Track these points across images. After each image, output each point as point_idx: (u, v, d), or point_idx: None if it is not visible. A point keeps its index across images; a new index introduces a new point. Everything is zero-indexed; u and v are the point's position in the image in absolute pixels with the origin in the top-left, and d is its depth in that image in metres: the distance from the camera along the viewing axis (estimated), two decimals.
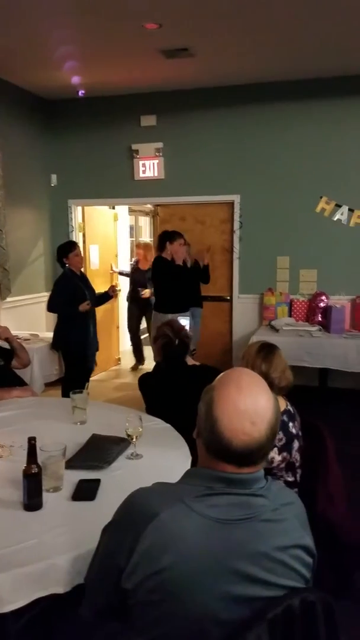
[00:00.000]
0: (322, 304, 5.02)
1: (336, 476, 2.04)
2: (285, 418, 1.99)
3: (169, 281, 4.76)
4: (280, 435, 1.93)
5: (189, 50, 4.19)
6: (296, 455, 1.99)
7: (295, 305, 5.23)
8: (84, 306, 4.28)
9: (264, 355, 2.02)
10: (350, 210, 5.01)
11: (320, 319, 4.99)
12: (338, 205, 5.04)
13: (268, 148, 5.22)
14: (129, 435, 2.01)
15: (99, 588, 1.17)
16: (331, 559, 2.02)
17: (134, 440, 2.01)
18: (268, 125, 5.19)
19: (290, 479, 1.99)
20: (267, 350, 2.05)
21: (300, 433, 2.08)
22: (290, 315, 5.24)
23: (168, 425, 2.32)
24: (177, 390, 2.42)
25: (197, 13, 3.52)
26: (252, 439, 1.06)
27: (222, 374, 1.16)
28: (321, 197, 5.08)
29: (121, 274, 6.41)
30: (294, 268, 5.28)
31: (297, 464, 2.00)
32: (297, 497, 1.24)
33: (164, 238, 4.81)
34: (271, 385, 1.97)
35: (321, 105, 5.02)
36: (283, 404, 2.06)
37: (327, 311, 4.90)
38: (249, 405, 1.07)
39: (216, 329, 5.61)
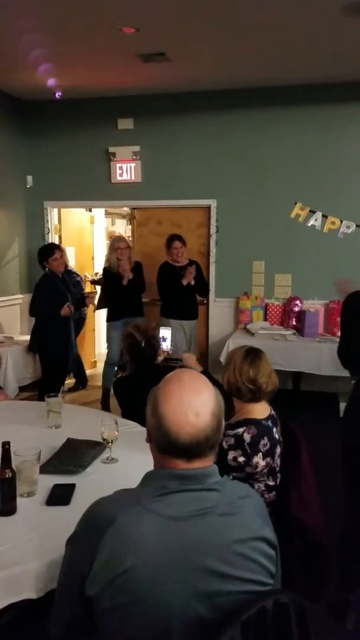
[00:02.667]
0: (296, 309, 5.08)
1: (309, 478, 2.07)
2: (269, 423, 2.01)
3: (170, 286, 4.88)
4: (265, 440, 1.95)
5: (165, 55, 4.21)
6: (277, 460, 2.01)
7: (270, 309, 5.29)
8: (65, 310, 4.28)
9: (251, 361, 2.03)
10: (324, 216, 5.09)
11: (294, 323, 5.06)
12: (312, 211, 5.12)
13: (244, 154, 5.27)
14: (104, 439, 2.01)
15: (65, 600, 1.17)
16: (304, 559, 2.05)
17: (110, 444, 2.01)
18: (244, 131, 5.24)
19: (271, 483, 2.01)
20: (254, 355, 2.06)
21: (281, 438, 2.10)
22: (265, 319, 5.30)
23: (144, 428, 2.32)
24: None
25: (173, 19, 3.54)
26: (197, 429, 1.10)
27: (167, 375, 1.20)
28: (296, 203, 5.15)
29: (94, 282, 6.28)
30: (269, 272, 5.34)
31: (278, 469, 2.03)
32: (253, 491, 1.27)
33: (166, 244, 4.94)
34: (259, 390, 1.99)
35: (296, 112, 5.09)
36: (267, 409, 2.07)
37: (301, 315, 4.97)
38: (191, 398, 1.12)
39: None
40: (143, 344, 2.53)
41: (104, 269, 5.01)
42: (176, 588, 1.06)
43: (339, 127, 5.02)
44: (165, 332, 3.35)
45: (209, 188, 5.38)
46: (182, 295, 4.88)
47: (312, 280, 5.17)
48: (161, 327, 3.32)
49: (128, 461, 1.99)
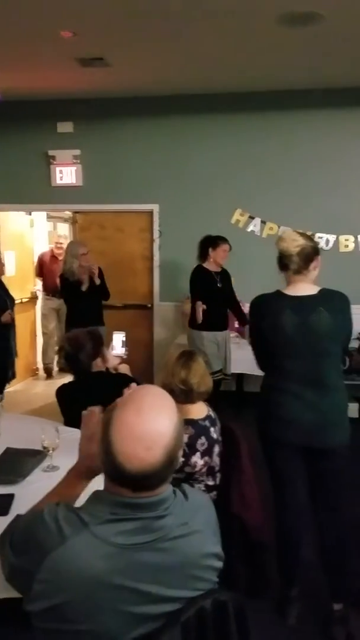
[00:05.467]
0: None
1: (250, 478, 2.12)
2: (207, 423, 2.05)
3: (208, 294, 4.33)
4: (203, 440, 1.99)
5: (104, 60, 4.21)
6: (216, 460, 2.05)
7: None
8: (6, 317, 4.19)
9: (183, 362, 2.08)
10: (263, 222, 5.23)
11: (236, 326, 5.15)
12: (252, 217, 5.25)
13: (185, 159, 5.33)
14: (44, 447, 1.98)
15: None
16: (246, 558, 2.10)
17: (50, 452, 1.98)
18: (185, 137, 5.31)
19: (211, 482, 2.05)
20: (187, 357, 2.11)
21: (220, 438, 2.14)
22: None
23: None
24: (96, 401, 2.41)
25: (111, 24, 3.55)
26: (146, 464, 1.03)
27: (129, 392, 1.13)
28: (236, 209, 5.26)
29: None
30: None
31: (217, 468, 2.07)
32: (206, 499, 1.28)
33: (206, 244, 4.46)
34: (191, 390, 2.03)
35: (237, 119, 5.21)
36: (205, 409, 2.12)
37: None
38: (145, 430, 1.04)
39: (137, 336, 5.61)
40: (77, 354, 2.50)
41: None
42: (119, 617, 1.05)
43: (277, 134, 5.17)
44: (118, 337, 3.29)
45: (151, 193, 5.40)
46: (218, 304, 4.44)
47: (253, 284, 5.23)
48: (114, 332, 3.27)
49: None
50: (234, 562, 2.06)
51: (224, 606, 1.18)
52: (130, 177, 5.42)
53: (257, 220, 5.24)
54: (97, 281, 4.54)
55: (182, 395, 2.03)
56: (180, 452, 1.13)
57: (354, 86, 4.88)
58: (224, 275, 4.51)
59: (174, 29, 3.61)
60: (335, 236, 5.09)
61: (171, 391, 2.02)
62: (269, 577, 2.23)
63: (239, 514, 2.01)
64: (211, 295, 4.35)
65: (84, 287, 4.53)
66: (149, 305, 5.60)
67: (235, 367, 4.70)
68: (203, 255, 4.48)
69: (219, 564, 1.19)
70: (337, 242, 5.10)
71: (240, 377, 5.16)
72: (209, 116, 5.25)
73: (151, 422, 1.05)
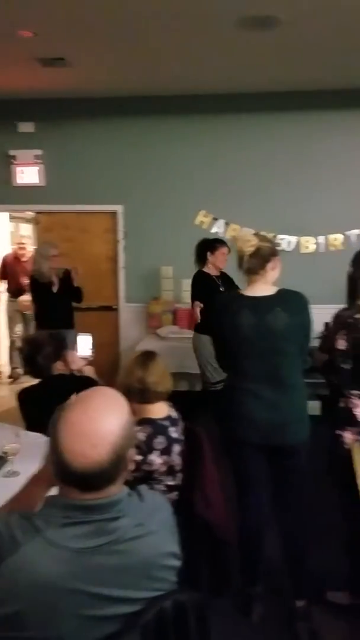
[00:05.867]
0: None
1: (213, 478, 2.14)
2: (166, 423, 2.07)
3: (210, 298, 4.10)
4: (161, 439, 2.00)
5: (65, 60, 4.17)
6: (176, 459, 2.06)
7: (179, 314, 5.38)
8: None
9: (140, 362, 2.08)
10: (227, 223, 5.28)
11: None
12: (215, 219, 5.29)
13: (150, 160, 5.33)
14: (4, 452, 1.95)
15: None
16: (210, 558, 2.12)
17: (10, 457, 1.95)
18: (149, 138, 5.31)
19: (171, 482, 2.06)
20: (145, 357, 2.12)
21: (181, 437, 2.15)
22: (174, 323, 5.38)
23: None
24: (58, 404, 2.39)
25: (72, 24, 3.52)
26: (92, 461, 1.04)
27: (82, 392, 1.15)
28: (200, 210, 5.29)
29: None
30: (177, 278, 5.43)
31: (178, 468, 2.07)
32: (162, 499, 1.28)
33: (204, 248, 4.33)
34: (148, 390, 2.04)
35: (199, 121, 5.23)
36: (165, 410, 2.13)
37: None
38: (92, 428, 1.05)
39: (103, 338, 5.58)
40: (35, 355, 2.48)
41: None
42: (77, 621, 1.05)
43: (240, 136, 5.22)
44: (83, 339, 3.24)
45: (115, 193, 5.38)
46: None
47: None
48: (79, 334, 3.23)
49: (30, 474, 1.95)
50: (197, 561, 2.08)
51: (183, 606, 1.20)
52: (94, 177, 5.39)
53: (221, 222, 5.29)
54: (76, 282, 4.51)
55: (139, 394, 2.04)
56: (130, 453, 1.13)
57: (313, 89, 4.97)
58: (225, 278, 4.36)
59: (134, 29, 3.61)
60: (296, 238, 5.18)
61: (128, 391, 2.04)
62: (232, 576, 2.26)
63: (202, 514, 2.02)
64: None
65: (55, 289, 4.50)
66: (114, 307, 5.58)
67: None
68: (201, 260, 4.38)
69: (177, 564, 1.20)
70: (298, 243, 5.19)
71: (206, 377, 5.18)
72: (173, 117, 5.26)
73: (98, 420, 1.07)
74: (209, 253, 4.32)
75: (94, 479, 1.05)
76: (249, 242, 2.17)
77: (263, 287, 2.21)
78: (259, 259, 2.18)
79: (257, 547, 2.36)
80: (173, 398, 2.28)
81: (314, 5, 3.19)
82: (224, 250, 4.31)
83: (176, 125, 5.27)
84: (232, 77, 4.65)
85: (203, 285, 4.31)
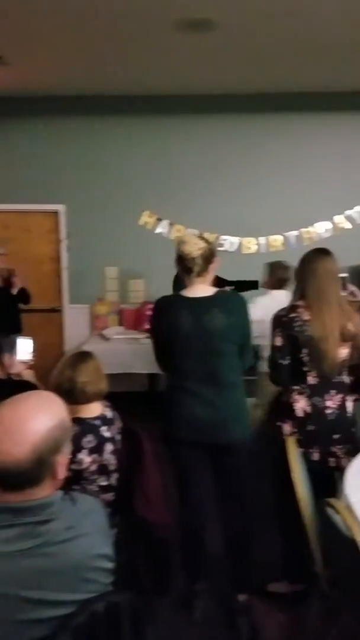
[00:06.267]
0: (149, 312, 5.20)
1: (153, 477, 2.15)
2: (98, 422, 2.06)
3: None
4: (90, 437, 2.00)
5: (3, 58, 4.09)
6: (109, 459, 2.06)
7: (124, 314, 5.36)
8: None
9: (72, 362, 2.08)
10: (171, 224, 5.31)
11: (148, 326, 5.17)
12: (159, 219, 5.32)
13: (93, 160, 5.29)
14: None
15: None
16: (149, 558, 2.13)
17: None
18: (91, 137, 5.27)
19: (104, 482, 2.05)
20: (78, 357, 2.11)
21: (117, 437, 2.15)
22: (120, 324, 5.36)
23: None
24: None
25: (9, 22, 3.45)
26: (11, 459, 1.05)
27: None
28: (143, 211, 5.30)
29: None
30: (122, 278, 5.42)
31: (112, 468, 2.07)
32: (95, 503, 1.29)
33: None
34: (77, 389, 2.03)
35: (141, 121, 5.24)
36: (98, 409, 2.12)
37: None
38: (16, 425, 1.07)
39: (47, 340, 5.50)
40: None
41: None
42: (7, 626, 1.05)
43: (184, 137, 5.27)
44: (23, 342, 3.16)
45: (57, 193, 5.31)
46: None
47: (163, 285, 5.33)
48: (18, 337, 3.14)
49: None
50: (138, 561, 2.09)
51: (116, 608, 1.20)
52: (35, 176, 5.30)
53: (165, 222, 5.31)
54: (18, 285, 4.41)
55: (69, 394, 2.03)
56: (60, 459, 1.13)
57: (252, 92, 5.07)
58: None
59: (72, 28, 3.57)
60: (238, 238, 5.28)
61: (59, 390, 2.02)
62: (174, 574, 2.28)
63: (142, 513, 2.03)
64: None
65: (15, 291, 4.39)
66: (58, 308, 5.50)
67: (148, 368, 4.74)
68: None
69: (110, 566, 1.21)
70: (240, 244, 5.29)
71: (153, 378, 5.20)
72: (115, 117, 5.24)
73: (24, 420, 1.08)
74: None
75: (12, 477, 1.06)
76: (197, 245, 2.21)
77: (203, 288, 2.26)
78: (204, 261, 2.23)
79: (198, 543, 2.40)
80: (117, 398, 2.28)
81: (248, 9, 3.25)
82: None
83: (119, 125, 5.25)
84: (173, 78, 4.68)
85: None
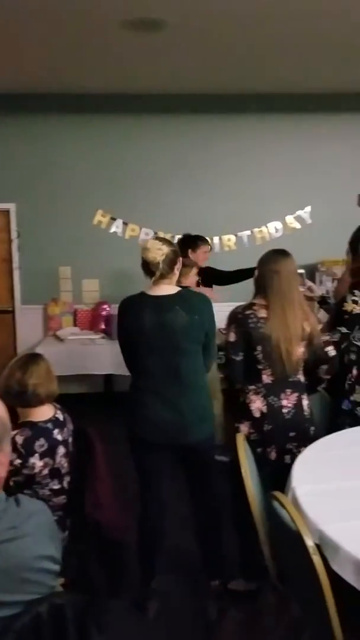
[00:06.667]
0: (104, 313, 5.19)
1: (104, 479, 2.15)
2: (49, 426, 2.05)
3: None
4: (42, 441, 1.98)
5: None
6: (62, 462, 2.04)
7: (79, 315, 5.32)
8: None
9: (21, 364, 2.05)
10: (125, 223, 5.30)
11: (103, 326, 5.16)
12: (113, 219, 5.29)
13: (44, 158, 5.21)
14: None
15: None
16: (102, 559, 2.13)
17: None
18: (42, 136, 5.19)
19: (57, 486, 2.04)
20: (28, 359, 2.09)
21: (69, 439, 2.14)
22: (75, 325, 5.31)
23: None
24: None
25: None
26: None
27: None
28: (97, 210, 5.26)
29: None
30: (76, 278, 5.36)
31: (64, 471, 2.06)
32: (40, 505, 1.27)
33: (185, 245, 4.00)
34: (27, 393, 2.01)
35: (95, 120, 5.20)
36: (50, 412, 2.10)
37: (109, 319, 5.09)
38: None
39: None
40: None
41: None
42: None
43: (135, 136, 5.25)
44: None
45: (7, 191, 5.19)
46: None
47: (118, 284, 5.32)
48: None
49: None
50: (91, 563, 2.08)
51: (61, 610, 1.19)
52: None
53: (119, 222, 5.29)
54: None
55: (20, 397, 2.00)
56: None
57: (205, 92, 5.11)
58: (206, 275, 4.19)
59: (20, 26, 3.51)
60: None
61: (8, 394, 1.99)
62: (128, 575, 2.28)
63: (94, 515, 2.03)
64: None
65: None
66: (10, 310, 5.39)
67: (103, 368, 4.71)
68: (182, 256, 4.20)
69: (55, 567, 1.20)
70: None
71: (109, 379, 5.18)
72: (67, 116, 5.18)
73: None
74: (190, 250, 4.13)
75: None
76: (161, 250, 2.24)
77: (167, 287, 2.29)
78: (168, 264, 2.27)
79: (155, 543, 2.41)
80: (73, 400, 2.27)
81: (199, 9, 3.27)
82: (206, 248, 4.18)
83: (71, 123, 5.19)
84: (124, 77, 4.66)
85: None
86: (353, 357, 2.64)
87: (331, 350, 2.48)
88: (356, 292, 2.63)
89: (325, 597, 1.45)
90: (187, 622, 2.19)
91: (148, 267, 2.28)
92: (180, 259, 2.36)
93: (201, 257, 4.14)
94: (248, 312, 2.36)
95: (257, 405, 2.35)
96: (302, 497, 1.78)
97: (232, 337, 2.39)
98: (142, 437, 2.30)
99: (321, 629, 1.52)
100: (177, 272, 2.33)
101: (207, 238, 4.31)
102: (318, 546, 1.57)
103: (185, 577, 2.55)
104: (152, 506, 2.40)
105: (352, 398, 2.62)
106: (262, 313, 2.34)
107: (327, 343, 2.51)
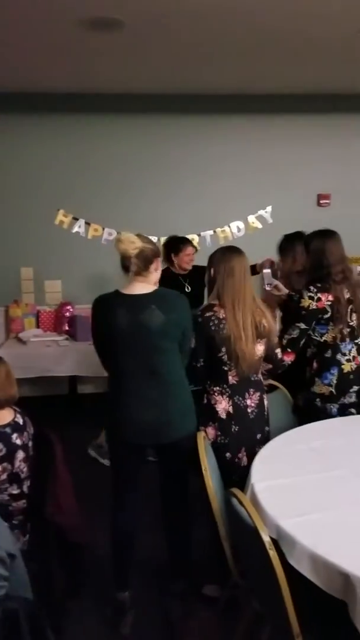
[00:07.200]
0: (68, 314, 5.13)
1: (65, 482, 2.12)
2: (8, 430, 2.01)
3: None
4: (0, 446, 1.95)
5: None
6: (21, 466, 2.01)
7: (42, 316, 5.24)
8: None
9: None
10: (87, 223, 5.25)
11: (67, 328, 5.10)
12: (75, 219, 5.24)
13: (3, 158, 5.11)
14: None
15: None
16: (63, 563, 2.11)
17: None
18: (2, 135, 5.10)
19: (16, 491, 2.00)
20: None
21: (29, 443, 2.11)
22: (37, 327, 5.23)
23: None
24: None
25: None
26: None
27: None
28: (58, 210, 5.21)
29: None
30: (38, 279, 5.29)
31: (23, 475, 2.03)
32: None
33: (168, 249, 4.04)
34: None
35: (55, 120, 5.13)
36: (8, 416, 2.06)
37: (73, 320, 5.03)
38: None
39: None
40: None
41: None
42: None
43: (96, 136, 5.20)
44: None
45: None
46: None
47: (82, 285, 5.28)
48: None
49: None
50: (51, 566, 2.06)
51: (14, 614, 1.18)
52: None
53: (82, 222, 5.25)
54: None
55: None
56: None
57: (166, 93, 5.11)
58: (194, 276, 4.14)
59: None
60: (156, 238, 5.28)
61: None
62: (91, 578, 2.27)
63: (53, 518, 2.00)
64: None
65: None
66: None
67: (67, 370, 4.65)
68: (167, 259, 4.16)
69: (4, 573, 1.18)
70: (158, 244, 5.31)
71: (73, 380, 5.12)
72: (26, 115, 5.10)
73: None
74: (172, 254, 4.17)
75: None
76: (133, 244, 2.19)
77: (143, 287, 2.25)
78: (142, 261, 2.22)
79: (128, 549, 2.37)
80: (36, 403, 2.23)
81: (155, 9, 3.26)
82: (189, 250, 4.19)
83: (31, 122, 5.11)
84: (84, 76, 4.61)
85: (165, 285, 4.16)
86: (314, 350, 2.72)
87: (286, 360, 2.51)
88: (311, 287, 2.69)
89: (282, 591, 1.47)
90: (151, 623, 2.19)
91: (122, 261, 2.24)
92: (159, 259, 2.31)
93: (184, 259, 4.15)
94: (208, 314, 2.34)
95: (223, 405, 2.35)
96: (261, 493, 1.80)
97: (192, 343, 2.36)
98: (123, 439, 2.26)
99: (280, 623, 1.54)
100: (154, 272, 2.28)
101: (189, 239, 4.29)
102: (276, 541, 1.59)
103: (156, 579, 2.52)
104: (125, 511, 2.36)
105: (312, 389, 2.69)
106: (222, 314, 2.33)
107: (279, 344, 2.54)
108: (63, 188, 5.20)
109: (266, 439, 2.38)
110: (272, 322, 2.44)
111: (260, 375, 2.45)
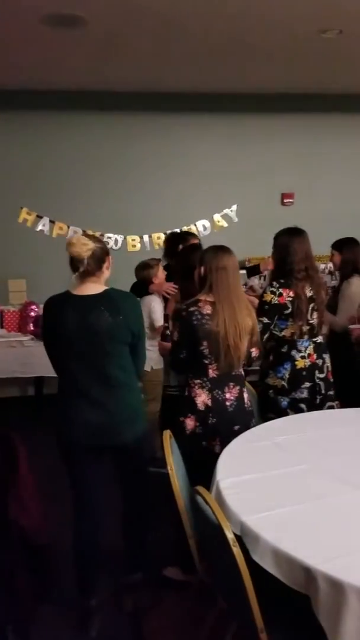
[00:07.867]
0: (33, 313, 5.05)
1: (28, 483, 2.09)
2: None
3: None
4: None
5: None
6: None
7: (6, 316, 5.14)
8: None
9: None
10: (52, 221, 5.19)
11: (32, 328, 5.02)
12: (39, 217, 5.17)
13: None
14: None
15: None
16: (28, 563, 2.07)
17: None
18: None
19: None
20: None
21: None
22: (2, 327, 5.13)
23: None
24: None
25: None
26: None
27: None
28: (22, 208, 5.12)
29: None
30: (2, 278, 5.19)
31: None
32: None
33: (175, 242, 3.88)
34: None
35: (17, 118, 5.06)
36: None
37: (38, 320, 4.96)
38: None
39: None
40: None
41: None
42: None
43: (61, 133, 5.16)
44: None
45: None
46: None
47: (47, 284, 5.17)
48: None
49: None
50: (15, 568, 2.02)
51: None
52: None
53: (46, 220, 5.18)
54: None
55: None
56: None
57: (132, 90, 5.09)
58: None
59: None
60: (122, 236, 5.29)
61: None
62: (57, 580, 2.24)
63: (17, 521, 1.97)
64: None
65: None
66: None
67: (33, 371, 4.59)
68: (170, 254, 3.99)
69: None
70: (125, 242, 5.30)
71: (39, 381, 5.05)
72: None
73: None
74: (181, 247, 3.90)
75: None
76: (86, 245, 2.15)
77: (93, 287, 2.21)
78: (95, 261, 2.19)
79: (91, 555, 2.34)
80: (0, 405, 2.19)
81: (115, 6, 3.25)
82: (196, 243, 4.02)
83: None
84: (48, 73, 4.56)
85: (170, 280, 3.94)
86: (272, 343, 2.82)
87: (254, 352, 2.55)
88: (274, 283, 2.74)
89: (245, 587, 1.48)
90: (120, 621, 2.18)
91: (73, 263, 2.19)
92: (109, 258, 2.28)
93: None
94: (192, 309, 2.37)
95: (202, 398, 2.39)
96: (225, 489, 1.81)
97: (175, 335, 2.42)
98: (71, 440, 2.24)
99: (245, 618, 1.56)
100: (106, 271, 2.25)
101: (194, 233, 4.35)
102: (240, 538, 1.60)
103: (115, 573, 2.52)
104: (83, 515, 2.33)
105: (266, 381, 2.80)
106: (207, 309, 2.36)
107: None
108: (25, 186, 5.14)
109: (246, 430, 2.41)
110: (255, 319, 2.50)
111: (241, 370, 2.49)
